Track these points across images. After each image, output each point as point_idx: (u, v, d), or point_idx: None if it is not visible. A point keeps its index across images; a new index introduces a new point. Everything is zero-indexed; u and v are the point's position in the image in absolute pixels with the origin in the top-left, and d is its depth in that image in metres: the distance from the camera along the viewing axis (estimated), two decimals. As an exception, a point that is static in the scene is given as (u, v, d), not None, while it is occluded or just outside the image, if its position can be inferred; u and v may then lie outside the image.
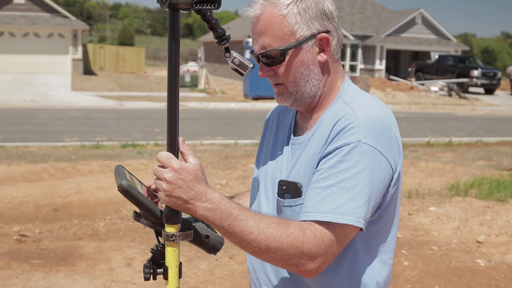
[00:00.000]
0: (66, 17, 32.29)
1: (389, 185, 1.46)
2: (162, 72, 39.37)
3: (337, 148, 1.41)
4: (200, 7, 1.36)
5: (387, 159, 1.42)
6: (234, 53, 1.52)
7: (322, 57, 1.52)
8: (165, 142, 1.42)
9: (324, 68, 1.54)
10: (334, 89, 1.56)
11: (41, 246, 5.47)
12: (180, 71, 28.22)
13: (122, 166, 1.56)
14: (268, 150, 1.68)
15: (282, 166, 1.58)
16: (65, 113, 17.57)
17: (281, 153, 1.61)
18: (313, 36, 1.50)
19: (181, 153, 1.43)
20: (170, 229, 1.41)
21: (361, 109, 1.47)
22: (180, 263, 1.45)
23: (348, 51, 36.45)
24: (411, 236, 6.18)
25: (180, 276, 1.44)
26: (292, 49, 1.50)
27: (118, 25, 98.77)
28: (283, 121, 1.68)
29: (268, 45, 1.51)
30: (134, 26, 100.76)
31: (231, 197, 1.81)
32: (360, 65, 37.73)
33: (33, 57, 31.10)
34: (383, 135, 1.43)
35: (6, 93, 22.35)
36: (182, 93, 23.63)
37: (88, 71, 33.63)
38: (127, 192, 1.42)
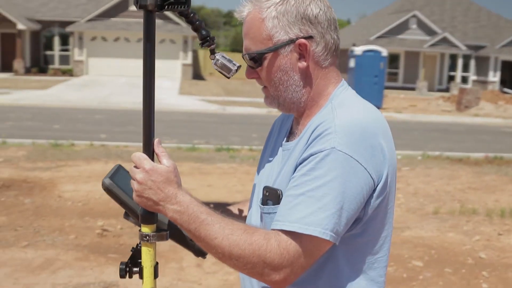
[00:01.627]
0: (177, 23, 33.49)
1: (370, 197, 1.38)
2: (269, 79, 39.72)
3: (311, 155, 1.36)
4: (168, 9, 1.37)
5: (365, 169, 1.34)
6: (218, 55, 1.50)
7: (302, 63, 1.46)
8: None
9: (307, 75, 1.48)
10: (323, 95, 1.49)
11: (119, 241, 5.69)
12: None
13: (120, 166, 1.59)
14: (267, 156, 1.65)
15: (273, 173, 1.55)
16: (169, 116, 18.17)
17: (275, 159, 1.58)
18: (291, 41, 1.44)
19: (156, 154, 1.44)
20: (145, 229, 1.42)
21: (343, 114, 1.40)
22: (157, 263, 1.46)
23: (460, 62, 35.13)
24: (496, 258, 5.84)
25: (155, 276, 1.45)
26: (270, 54, 1.46)
27: (231, 32, 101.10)
28: (284, 127, 1.65)
29: (249, 47, 1.49)
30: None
31: (233, 204, 1.80)
32: (472, 77, 36.27)
33: (146, 61, 32.58)
34: (363, 143, 1.36)
35: (118, 95, 23.52)
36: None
37: (197, 76, 34.68)
38: (109, 190, 1.46)
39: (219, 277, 4.90)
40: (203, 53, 39.74)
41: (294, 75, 1.47)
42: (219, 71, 1.52)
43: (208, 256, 1.51)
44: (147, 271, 1.43)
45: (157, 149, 1.43)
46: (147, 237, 1.41)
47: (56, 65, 35.76)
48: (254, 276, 1.36)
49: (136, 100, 22.15)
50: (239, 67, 1.51)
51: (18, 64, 33.65)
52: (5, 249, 5.31)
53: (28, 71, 34.03)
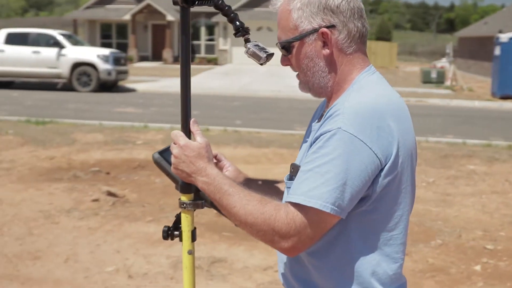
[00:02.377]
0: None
1: (378, 176, 1.47)
2: (414, 68, 38.76)
3: (321, 134, 1.49)
4: (198, 4, 1.56)
5: (370, 148, 1.44)
6: (250, 44, 1.63)
7: (326, 51, 1.58)
8: None
9: (331, 61, 1.59)
10: (347, 80, 1.60)
11: (235, 221, 6.00)
12: (427, 67, 27.44)
13: None
14: (305, 137, 1.78)
15: (303, 152, 1.68)
16: (303, 104, 18.40)
17: (308, 140, 1.71)
18: (314, 30, 1.57)
19: (192, 132, 1.63)
20: (183, 198, 1.63)
21: (355, 97, 1.51)
22: (194, 228, 1.65)
23: None
24: None
25: (193, 240, 1.65)
26: (297, 42, 1.59)
27: (377, 19, 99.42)
28: (321, 110, 1.78)
29: (280, 37, 1.64)
30: (394, 21, 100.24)
31: (281, 182, 1.94)
32: None
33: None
34: (370, 124, 1.45)
35: (258, 84, 24.21)
36: (425, 89, 23.16)
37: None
38: (157, 163, 1.68)
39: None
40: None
41: (320, 62, 1.60)
42: (252, 59, 1.67)
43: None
44: (185, 234, 1.63)
45: (193, 127, 1.63)
46: (184, 205, 1.62)
47: (202, 54, 37.50)
48: (267, 243, 1.52)
49: (274, 88, 22.67)
50: (270, 55, 1.63)
51: (167, 53, 35.71)
52: (132, 223, 5.82)
53: (176, 60, 35.99)
